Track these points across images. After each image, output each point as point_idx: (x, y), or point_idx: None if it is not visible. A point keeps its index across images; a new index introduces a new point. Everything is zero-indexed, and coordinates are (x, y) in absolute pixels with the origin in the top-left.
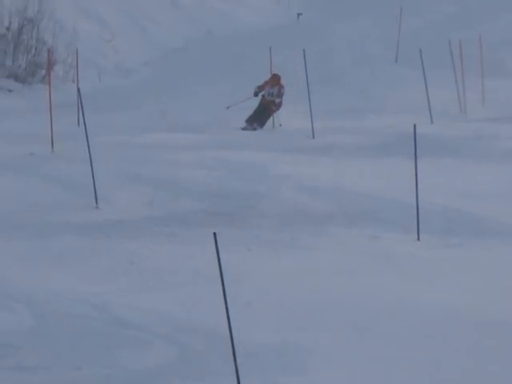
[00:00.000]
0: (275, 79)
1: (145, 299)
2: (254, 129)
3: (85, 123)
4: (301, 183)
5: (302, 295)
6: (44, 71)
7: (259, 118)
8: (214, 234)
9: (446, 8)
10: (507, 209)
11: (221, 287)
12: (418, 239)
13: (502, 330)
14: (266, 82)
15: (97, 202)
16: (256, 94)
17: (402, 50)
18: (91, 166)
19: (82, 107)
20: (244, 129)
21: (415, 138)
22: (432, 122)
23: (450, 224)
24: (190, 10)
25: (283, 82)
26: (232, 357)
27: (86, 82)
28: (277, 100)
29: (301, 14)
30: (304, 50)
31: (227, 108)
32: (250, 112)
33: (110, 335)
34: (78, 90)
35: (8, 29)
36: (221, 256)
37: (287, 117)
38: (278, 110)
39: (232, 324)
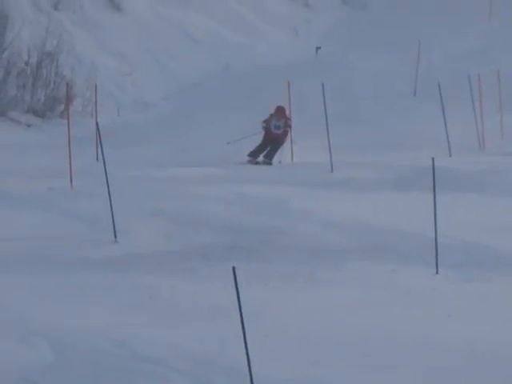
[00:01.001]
0: (280, 112)
1: (164, 334)
2: (257, 163)
3: (103, 158)
4: (319, 217)
5: (320, 330)
6: (63, 106)
7: (269, 151)
8: (233, 268)
9: (465, 43)
10: None
11: (239, 321)
12: (437, 273)
13: None
14: (271, 115)
15: (116, 237)
16: (265, 129)
17: (421, 84)
18: (110, 201)
19: (100, 142)
20: (249, 162)
21: (433, 171)
22: (450, 155)
23: (468, 258)
24: (208, 44)
25: (288, 113)
26: None
27: (105, 116)
28: (286, 131)
29: (319, 47)
30: (323, 84)
31: (228, 144)
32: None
33: (129, 370)
34: (97, 124)
35: (27, 63)
36: (240, 290)
37: (306, 151)
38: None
39: (250, 358)
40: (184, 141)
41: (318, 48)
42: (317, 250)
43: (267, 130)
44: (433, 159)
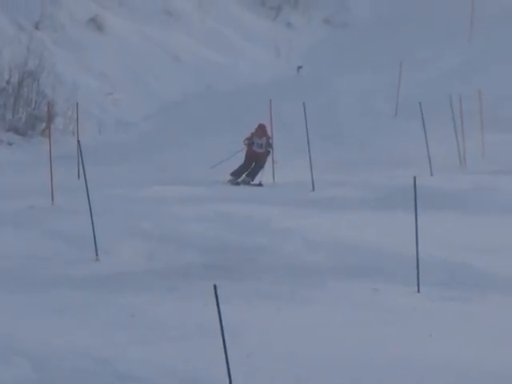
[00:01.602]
0: (261, 130)
1: (146, 352)
2: (237, 183)
3: (85, 176)
4: (301, 236)
5: (302, 349)
6: (44, 124)
7: (251, 171)
8: (215, 286)
9: (446, 63)
10: (508, 262)
11: (221, 340)
12: (419, 291)
13: (501, 381)
14: (253, 134)
15: (97, 255)
16: (246, 144)
17: (403, 103)
18: (91, 219)
19: (82, 160)
20: (230, 182)
21: (415, 190)
22: (432, 174)
23: (450, 277)
24: (190, 63)
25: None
26: None
27: (86, 135)
28: (268, 149)
29: (301, 66)
30: (304, 103)
31: (211, 168)
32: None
33: None
34: (79, 142)
35: (8, 82)
36: (221, 309)
37: (288, 170)
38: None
39: (232, 377)
40: (166, 160)
41: (299, 67)
42: (298, 269)
43: (249, 148)
44: (414, 178)
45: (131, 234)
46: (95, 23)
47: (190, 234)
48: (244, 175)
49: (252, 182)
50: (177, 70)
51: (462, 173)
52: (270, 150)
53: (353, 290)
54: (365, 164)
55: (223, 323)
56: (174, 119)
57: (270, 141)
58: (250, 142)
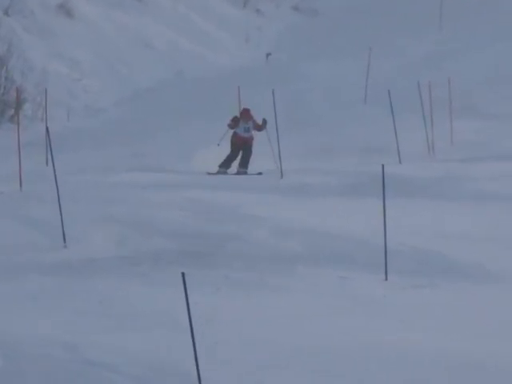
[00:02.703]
0: (246, 114)
1: (115, 339)
2: (225, 173)
3: (53, 162)
4: (270, 224)
5: (271, 336)
6: (13, 110)
7: (242, 160)
8: (183, 273)
9: (416, 51)
10: (476, 249)
11: (189, 327)
12: (386, 279)
13: (471, 369)
14: (238, 119)
15: (65, 242)
16: (232, 126)
17: (372, 91)
18: (59, 205)
19: (50, 146)
20: (218, 172)
21: (383, 178)
22: (400, 162)
23: (418, 264)
24: (160, 50)
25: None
26: None
27: (56, 121)
28: (263, 128)
29: (270, 54)
30: (273, 90)
31: (218, 145)
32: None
33: (81, 376)
34: (47, 129)
35: None
36: (190, 296)
37: (257, 157)
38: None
39: (200, 364)
40: (136, 146)
41: (268, 54)
42: (267, 256)
43: (235, 135)
44: (383, 166)
45: (100, 220)
46: (65, 9)
47: (161, 221)
48: (238, 166)
49: (249, 172)
50: (147, 57)
51: (431, 161)
52: (264, 126)
53: (321, 277)
54: (334, 151)
55: (192, 310)
56: (144, 105)
57: (257, 122)
58: (234, 125)
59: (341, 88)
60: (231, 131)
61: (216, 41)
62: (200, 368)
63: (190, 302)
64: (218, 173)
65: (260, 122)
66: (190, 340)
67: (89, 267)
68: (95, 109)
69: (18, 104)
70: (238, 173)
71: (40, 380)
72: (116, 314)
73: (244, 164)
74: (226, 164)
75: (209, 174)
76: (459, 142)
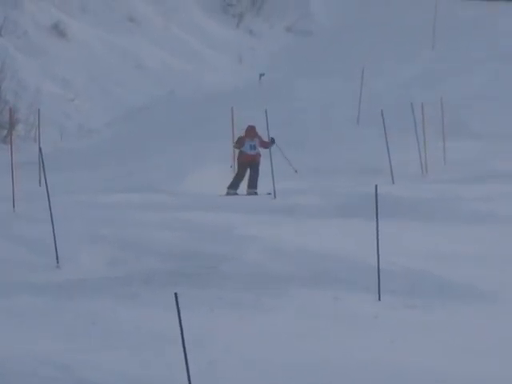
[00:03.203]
0: (252, 131)
1: (107, 359)
2: (236, 194)
3: (46, 182)
4: (263, 244)
5: (265, 357)
6: (6, 131)
7: (250, 180)
8: (175, 294)
9: (408, 71)
10: (469, 271)
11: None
12: (379, 299)
13: None
14: (242, 138)
15: (58, 262)
16: (237, 147)
17: (365, 111)
18: (52, 226)
19: (43, 167)
20: (228, 194)
21: (376, 198)
22: (393, 182)
23: (411, 285)
24: (153, 70)
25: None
26: None
27: (48, 141)
28: (270, 145)
29: (263, 74)
30: (266, 110)
31: (231, 167)
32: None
33: None
34: (40, 149)
35: None
36: (183, 316)
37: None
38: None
39: None
40: (128, 167)
41: (261, 75)
42: (261, 277)
43: (241, 154)
44: (376, 186)
45: (92, 241)
46: (58, 30)
47: (152, 241)
48: (247, 188)
49: (258, 193)
50: (140, 77)
51: (424, 181)
52: (271, 142)
53: (315, 298)
54: (327, 172)
55: (185, 331)
56: (137, 125)
57: (264, 138)
58: (239, 145)
59: (334, 108)
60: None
61: (209, 61)
62: None
63: (182, 322)
64: (228, 194)
65: (266, 139)
66: (183, 360)
67: (80, 287)
68: (88, 129)
69: (12, 124)
70: (248, 194)
71: None
72: (108, 334)
73: (252, 185)
74: (234, 185)
75: (220, 195)
76: (452, 161)
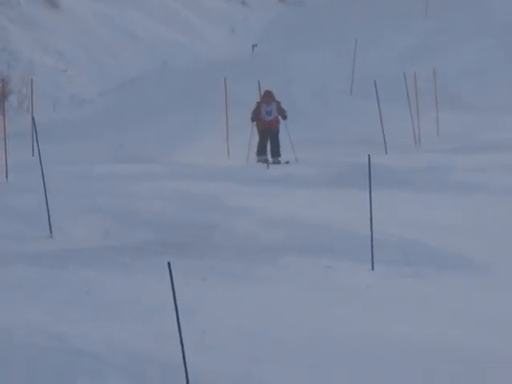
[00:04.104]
0: (268, 96)
1: (101, 329)
2: (266, 160)
3: (39, 153)
4: (256, 214)
5: (257, 326)
6: None
7: (272, 149)
8: (169, 263)
9: (401, 42)
10: (462, 240)
11: (175, 317)
12: (373, 269)
13: (458, 360)
14: (259, 103)
15: (51, 232)
16: (254, 119)
17: (358, 82)
18: (45, 196)
19: (36, 137)
20: (260, 161)
21: (369, 168)
22: (386, 153)
23: (404, 255)
24: (145, 41)
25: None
26: None
27: (41, 112)
28: (285, 113)
29: (256, 45)
30: (259, 81)
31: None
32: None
33: (66, 365)
34: (33, 119)
35: None
36: (175, 286)
37: (242, 148)
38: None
39: (187, 354)
40: (121, 137)
41: (254, 45)
42: (253, 247)
43: (259, 120)
44: (369, 156)
45: (86, 211)
46: (51, 1)
47: (146, 211)
48: (269, 157)
49: (279, 160)
50: (133, 48)
51: (417, 151)
52: (285, 114)
53: (307, 267)
54: (320, 142)
55: (178, 301)
56: (129, 96)
57: (282, 105)
58: (255, 115)
59: (327, 79)
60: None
61: (201, 32)
62: (186, 358)
63: (175, 291)
64: (259, 161)
65: (282, 106)
66: (176, 330)
67: (74, 257)
68: (81, 100)
69: (4, 95)
70: (273, 163)
71: (25, 369)
72: (101, 304)
73: (275, 153)
74: (261, 151)
75: (258, 162)
76: (445, 133)
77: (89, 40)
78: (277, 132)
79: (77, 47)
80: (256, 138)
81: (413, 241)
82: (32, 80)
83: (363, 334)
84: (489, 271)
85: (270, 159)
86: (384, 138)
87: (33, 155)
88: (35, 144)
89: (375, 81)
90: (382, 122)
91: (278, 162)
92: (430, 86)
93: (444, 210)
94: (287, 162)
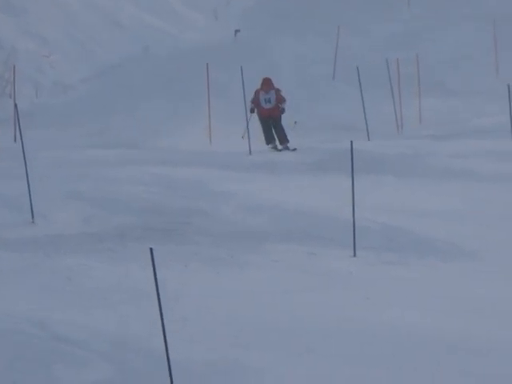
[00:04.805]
0: (267, 84)
1: (83, 315)
2: (276, 147)
3: (22, 139)
4: (238, 200)
5: (240, 313)
6: None
7: (279, 137)
8: (151, 249)
9: (384, 28)
10: (445, 226)
11: (158, 303)
12: (355, 255)
13: (440, 347)
14: (258, 91)
15: (33, 218)
16: (253, 110)
17: (340, 68)
18: (28, 182)
19: (18, 123)
20: (272, 149)
21: (352, 154)
22: (369, 139)
23: (387, 241)
24: (127, 27)
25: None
26: (168, 374)
27: (24, 98)
28: (283, 105)
29: (238, 30)
30: (241, 67)
31: (242, 137)
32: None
33: (48, 351)
34: (15, 105)
35: None
36: (158, 272)
37: (225, 134)
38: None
39: (169, 341)
40: (103, 123)
41: (236, 31)
42: (236, 233)
43: (259, 108)
44: (351, 142)
45: (67, 197)
46: None
47: (127, 197)
48: (277, 144)
49: (288, 147)
50: (115, 34)
51: (400, 137)
52: (284, 105)
53: (290, 253)
54: (302, 128)
55: (160, 287)
56: (111, 82)
57: (282, 93)
58: (255, 104)
59: (309, 65)
60: (254, 116)
61: (184, 17)
62: (169, 344)
63: (157, 278)
64: (272, 149)
65: (281, 94)
66: (159, 316)
67: (56, 243)
68: (63, 85)
69: None
70: (282, 150)
71: (7, 354)
72: (84, 291)
73: (283, 140)
74: (268, 139)
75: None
76: (427, 119)
77: (72, 26)
78: (279, 119)
79: (60, 33)
80: (258, 127)
81: (396, 227)
82: (14, 66)
83: (345, 320)
84: (473, 257)
85: (279, 146)
86: (366, 124)
87: (15, 141)
88: (17, 130)
89: (358, 67)
90: (364, 108)
91: (287, 148)
92: (413, 71)
93: (427, 196)
94: (294, 149)
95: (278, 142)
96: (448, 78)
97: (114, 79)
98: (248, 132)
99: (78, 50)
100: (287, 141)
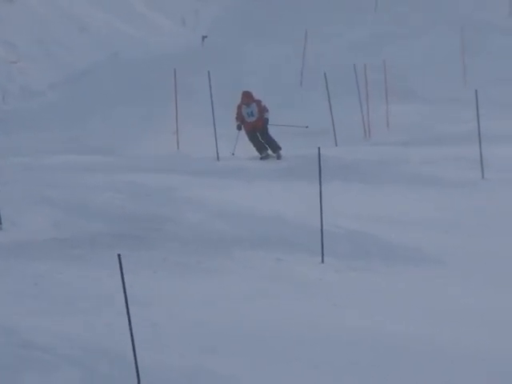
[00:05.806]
0: (247, 97)
1: (51, 322)
2: (268, 155)
3: None
4: (207, 206)
5: (208, 319)
6: None
7: (270, 145)
8: (119, 255)
9: (352, 34)
10: (412, 234)
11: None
12: (323, 262)
13: (405, 352)
14: (240, 106)
15: (1, 224)
16: (240, 127)
17: (308, 74)
18: None
19: None
20: (263, 158)
21: (319, 161)
22: (336, 144)
23: (355, 247)
24: (96, 33)
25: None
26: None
27: None
28: (266, 115)
29: (206, 36)
30: (209, 72)
31: (233, 154)
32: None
33: (16, 357)
34: None
35: None
36: (127, 278)
37: (192, 140)
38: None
39: (138, 347)
40: (72, 129)
41: (204, 37)
42: (204, 239)
43: (244, 123)
44: (319, 149)
45: (37, 203)
46: None
47: (97, 203)
48: (269, 152)
49: (280, 153)
50: (83, 40)
51: (367, 144)
52: (267, 115)
53: (258, 260)
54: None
55: (128, 293)
56: (80, 88)
57: (263, 104)
58: (240, 120)
59: (278, 71)
60: (241, 131)
61: (152, 23)
62: (138, 351)
63: (126, 284)
64: (266, 157)
65: (264, 105)
66: (127, 323)
67: (25, 249)
68: (31, 91)
69: None
70: (277, 158)
71: None
72: (53, 297)
73: (275, 148)
74: (260, 148)
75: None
76: (395, 125)
77: (40, 31)
78: (265, 129)
79: (28, 39)
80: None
81: (363, 233)
82: None
83: (312, 326)
84: (439, 264)
85: (272, 154)
86: (334, 130)
87: None
88: None
89: (325, 73)
90: (331, 113)
91: (280, 156)
92: (381, 77)
93: (395, 203)
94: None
95: (270, 151)
96: (416, 85)
97: (84, 85)
98: (216, 138)
99: (46, 55)
100: (279, 148)
